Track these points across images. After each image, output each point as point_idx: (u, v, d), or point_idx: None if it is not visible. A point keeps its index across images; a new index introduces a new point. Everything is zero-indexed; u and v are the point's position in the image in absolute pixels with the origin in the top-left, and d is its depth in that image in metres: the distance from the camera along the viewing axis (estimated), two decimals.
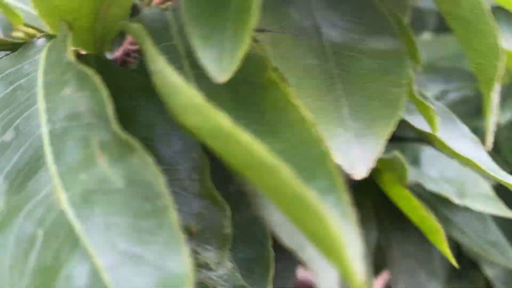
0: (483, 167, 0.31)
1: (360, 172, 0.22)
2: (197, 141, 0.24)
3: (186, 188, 0.24)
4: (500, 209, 0.45)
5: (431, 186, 0.45)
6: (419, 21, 0.71)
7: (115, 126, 0.19)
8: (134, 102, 0.25)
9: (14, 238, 0.18)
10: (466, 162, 0.31)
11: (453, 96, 0.55)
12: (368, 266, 0.47)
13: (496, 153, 0.60)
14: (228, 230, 0.24)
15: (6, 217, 0.19)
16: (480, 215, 0.51)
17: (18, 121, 0.22)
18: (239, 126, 0.16)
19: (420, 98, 0.30)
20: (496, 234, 0.50)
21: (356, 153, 0.22)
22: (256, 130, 0.21)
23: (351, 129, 0.23)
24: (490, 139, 0.26)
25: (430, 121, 0.31)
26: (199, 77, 0.23)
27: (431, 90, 0.56)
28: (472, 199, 0.45)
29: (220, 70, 0.19)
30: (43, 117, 0.21)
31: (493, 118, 0.26)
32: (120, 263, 0.16)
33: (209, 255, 0.23)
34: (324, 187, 0.17)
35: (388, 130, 0.23)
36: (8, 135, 0.22)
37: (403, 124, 0.55)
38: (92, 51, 0.31)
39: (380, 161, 0.45)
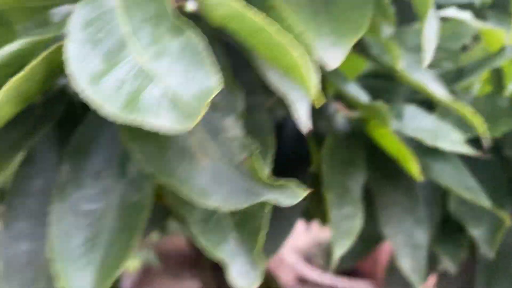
0: (435, 92, 0.41)
1: (332, 64, 0.33)
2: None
3: None
4: (467, 150, 0.55)
5: (408, 132, 0.55)
6: None
7: (173, 18, 0.30)
8: None
9: None
10: (418, 87, 0.41)
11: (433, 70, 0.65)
12: (358, 200, 0.56)
13: None
14: (241, 109, 0.35)
15: None
16: (455, 164, 0.60)
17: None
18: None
19: (385, 39, 0.41)
20: (470, 180, 0.59)
21: (330, 52, 0.33)
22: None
23: (328, 36, 0.34)
24: (428, 54, 0.37)
25: (393, 55, 0.41)
26: None
27: None
28: (443, 142, 0.55)
29: None
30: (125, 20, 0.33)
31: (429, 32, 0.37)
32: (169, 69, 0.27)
33: (227, 123, 0.34)
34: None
35: (355, 38, 0.34)
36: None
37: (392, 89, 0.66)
38: None
39: (366, 108, 0.56)
